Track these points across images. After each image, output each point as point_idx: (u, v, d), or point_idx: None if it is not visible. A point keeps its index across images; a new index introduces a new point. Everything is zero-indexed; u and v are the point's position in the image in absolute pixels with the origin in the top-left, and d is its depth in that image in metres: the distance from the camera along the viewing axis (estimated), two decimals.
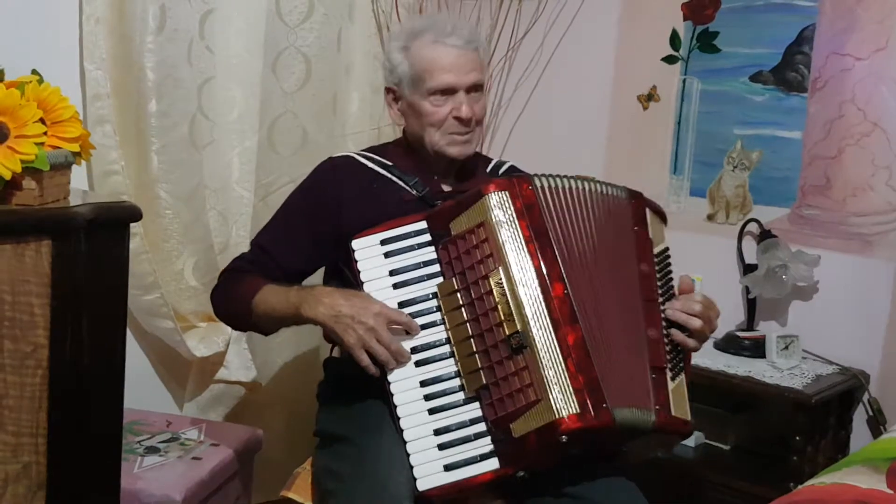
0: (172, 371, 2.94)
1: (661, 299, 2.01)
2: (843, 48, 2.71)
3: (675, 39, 3.00)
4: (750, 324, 2.82)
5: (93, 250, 1.78)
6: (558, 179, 2.00)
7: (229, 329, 2.87)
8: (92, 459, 1.86)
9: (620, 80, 3.12)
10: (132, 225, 1.90)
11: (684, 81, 2.99)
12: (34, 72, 1.85)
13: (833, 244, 2.75)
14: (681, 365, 2.00)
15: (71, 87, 2.48)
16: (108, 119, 2.57)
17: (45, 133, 1.73)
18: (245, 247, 2.90)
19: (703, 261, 2.89)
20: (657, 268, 2.04)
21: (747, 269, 2.81)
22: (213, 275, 2.81)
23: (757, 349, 2.72)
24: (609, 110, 3.14)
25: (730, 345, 2.77)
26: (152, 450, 2.47)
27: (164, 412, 2.80)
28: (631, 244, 2.03)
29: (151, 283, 2.68)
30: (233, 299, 2.13)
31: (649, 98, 3.06)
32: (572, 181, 2.02)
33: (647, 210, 2.09)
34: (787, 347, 2.69)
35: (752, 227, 2.84)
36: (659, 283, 2.03)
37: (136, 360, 2.78)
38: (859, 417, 2.73)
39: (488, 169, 2.31)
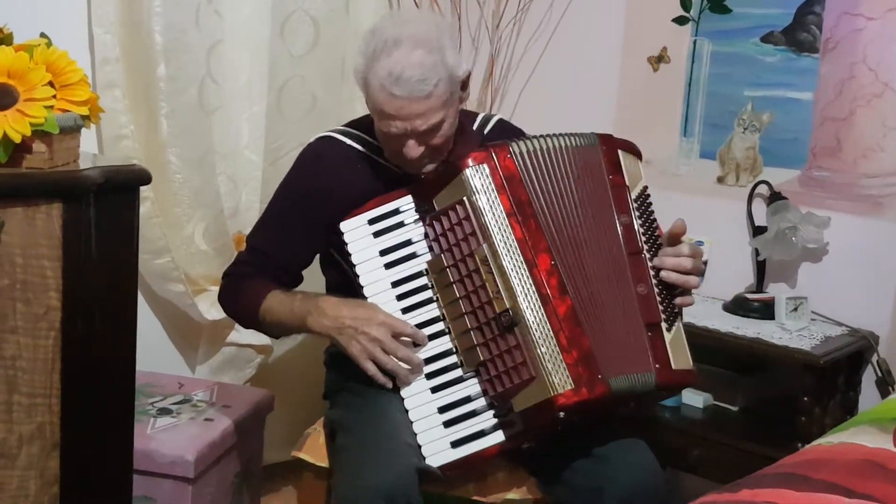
0: (184, 334, 2.97)
1: (645, 248, 1.97)
2: (856, 8, 2.68)
3: (685, 0, 2.97)
4: (759, 286, 2.82)
5: (103, 213, 1.79)
6: (535, 141, 1.96)
7: None
8: (105, 420, 1.88)
9: (630, 41, 3.09)
10: (142, 189, 1.91)
11: (695, 43, 2.97)
12: (42, 35, 1.85)
13: (843, 206, 2.74)
14: (675, 311, 1.98)
15: (79, 51, 2.48)
16: (117, 83, 2.58)
17: (53, 96, 1.73)
18: (255, 211, 2.94)
19: (713, 223, 2.89)
20: (637, 213, 1.99)
21: (757, 231, 2.80)
22: (223, 239, 2.84)
23: (766, 311, 2.72)
24: (619, 72, 3.12)
25: (739, 307, 2.77)
26: (165, 411, 2.50)
27: (177, 375, 2.82)
28: (607, 196, 1.98)
29: (162, 247, 2.69)
30: (239, 308, 2.16)
31: (660, 60, 3.04)
32: (548, 140, 1.97)
33: (620, 152, 2.02)
34: (796, 309, 2.69)
35: (763, 189, 2.82)
36: (642, 231, 1.98)
37: (147, 324, 2.80)
38: (868, 379, 2.73)
39: (475, 125, 2.22)
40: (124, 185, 1.84)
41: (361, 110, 2.97)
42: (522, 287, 1.86)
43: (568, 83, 3.19)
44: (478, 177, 1.91)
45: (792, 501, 1.53)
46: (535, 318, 1.84)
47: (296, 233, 2.14)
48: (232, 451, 2.50)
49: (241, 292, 2.13)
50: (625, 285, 1.94)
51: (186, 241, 2.78)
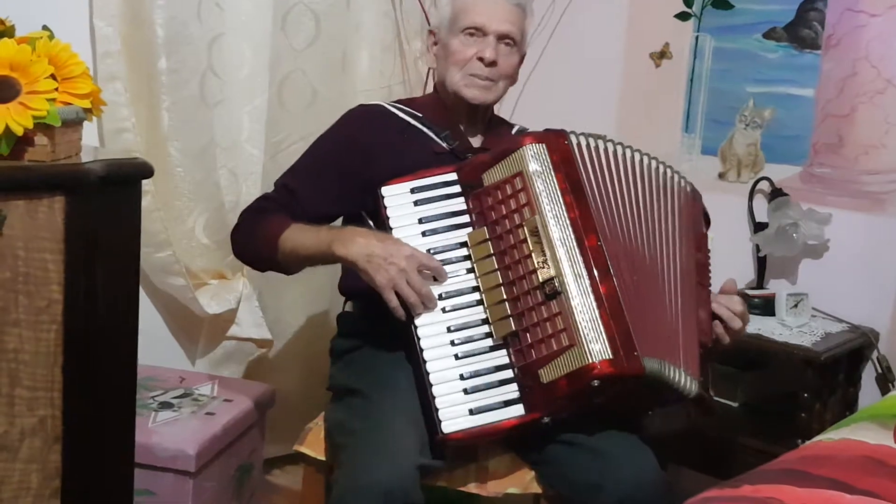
0: (184, 328, 2.96)
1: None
2: (858, 4, 2.68)
3: None
4: (760, 282, 2.83)
5: (105, 206, 1.78)
6: (591, 139, 2.02)
7: (241, 286, 2.89)
8: (107, 413, 1.87)
9: (633, 37, 3.10)
10: (144, 182, 1.90)
11: (697, 38, 2.97)
12: (45, 28, 1.85)
13: (844, 202, 2.75)
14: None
15: (81, 43, 2.48)
16: (118, 76, 2.57)
17: (55, 89, 1.72)
18: None
19: (714, 219, 2.83)
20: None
21: (758, 227, 2.80)
22: (224, 233, 2.82)
23: (766, 307, 2.73)
24: (621, 68, 3.12)
25: None
26: (166, 405, 2.49)
27: (176, 368, 2.83)
28: (690, 231, 2.07)
29: (163, 240, 2.69)
30: (257, 236, 2.12)
31: (662, 55, 3.04)
32: (608, 143, 2.04)
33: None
34: (796, 305, 2.69)
35: (764, 185, 2.83)
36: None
37: (148, 318, 2.78)
38: (868, 375, 2.74)
39: (514, 132, 2.33)
40: (127, 179, 1.83)
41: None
42: (570, 259, 1.87)
43: (570, 78, 3.19)
44: (535, 153, 1.95)
45: (793, 497, 1.53)
46: (580, 289, 1.85)
47: (327, 182, 2.16)
48: (233, 445, 2.50)
49: (262, 222, 2.12)
50: (688, 303, 1.98)
51: (187, 235, 2.77)
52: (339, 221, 2.21)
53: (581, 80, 3.17)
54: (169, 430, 2.36)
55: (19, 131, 1.66)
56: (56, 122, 1.69)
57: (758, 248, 2.79)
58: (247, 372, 2.99)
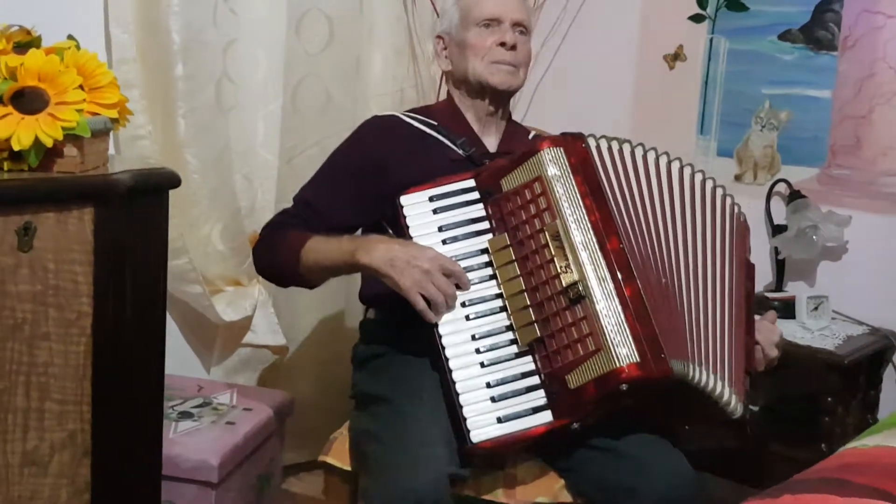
0: (199, 335, 2.94)
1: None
2: (875, 5, 2.68)
3: None
4: (779, 284, 2.82)
5: (134, 217, 1.77)
6: (611, 141, 2.01)
7: (256, 292, 2.87)
8: (135, 426, 1.86)
9: (646, 39, 3.09)
10: None
11: (711, 40, 2.96)
12: (70, 37, 1.83)
13: (862, 204, 2.74)
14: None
15: (97, 50, 2.43)
16: (134, 83, 2.55)
17: (84, 100, 1.70)
18: (270, 210, 2.91)
19: None
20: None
21: (776, 229, 2.80)
22: (240, 239, 2.82)
23: (786, 310, 2.72)
24: (634, 70, 3.12)
25: (759, 306, 2.73)
26: (186, 415, 2.47)
27: (193, 376, 2.81)
28: (743, 258, 2.08)
29: (180, 247, 2.66)
30: (279, 251, 2.11)
31: (676, 58, 3.03)
32: (624, 144, 2.02)
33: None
34: (816, 308, 2.69)
35: (781, 187, 2.82)
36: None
37: None
38: (888, 377, 2.74)
39: (530, 137, 2.32)
40: (154, 188, 1.83)
41: (376, 109, 3.00)
42: (593, 262, 1.85)
43: (583, 81, 3.19)
44: (553, 157, 1.93)
45: None
46: (604, 293, 1.84)
47: (345, 195, 2.15)
48: (254, 454, 2.48)
49: (283, 237, 2.11)
50: (740, 326, 1.98)
51: (203, 242, 2.75)
52: (359, 232, 2.20)
53: (594, 83, 3.16)
54: (190, 441, 2.34)
55: (49, 143, 1.65)
56: (86, 133, 1.68)
57: (776, 251, 2.78)
58: (262, 378, 2.97)
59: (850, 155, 2.75)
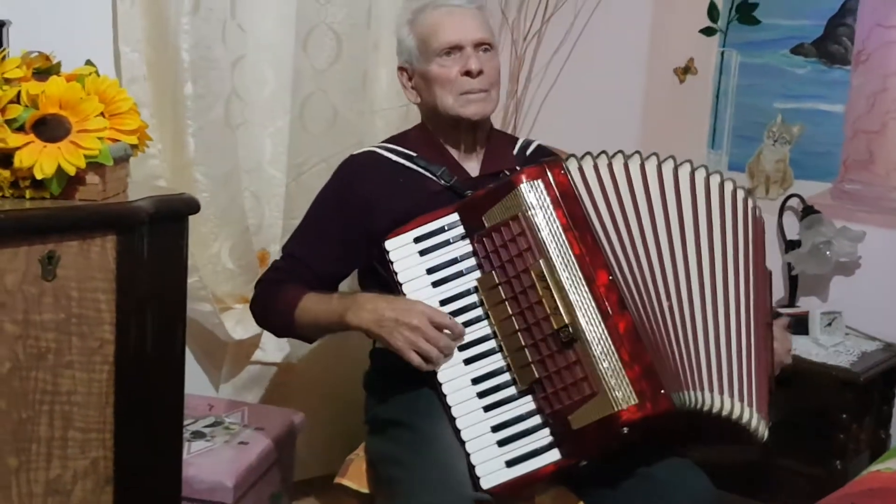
0: (209, 353, 2.92)
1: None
2: (888, 20, 2.67)
3: (712, 10, 2.96)
4: (791, 300, 2.81)
5: (155, 244, 1.76)
6: (593, 159, 1.93)
7: None
8: (156, 452, 1.86)
9: (656, 52, 3.08)
10: None
11: (723, 54, 2.95)
12: (88, 62, 1.81)
13: (876, 219, 2.73)
14: None
15: (106, 69, 2.43)
16: (144, 102, 2.51)
17: (106, 127, 1.69)
18: (278, 228, 2.91)
19: None
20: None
21: (789, 245, 2.79)
22: (248, 257, 2.80)
23: (799, 326, 2.70)
24: (644, 84, 3.11)
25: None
26: (198, 434, 2.46)
27: (202, 394, 2.79)
28: (762, 267, 2.02)
29: (190, 266, 2.60)
30: (274, 312, 2.11)
31: (686, 71, 3.03)
32: (616, 158, 1.94)
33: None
34: (830, 324, 2.68)
35: (793, 202, 2.81)
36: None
37: None
38: None
39: (515, 150, 2.27)
40: (175, 215, 1.81)
41: (382, 124, 2.99)
42: (581, 303, 1.82)
43: (592, 94, 3.17)
44: (533, 192, 1.88)
45: None
46: (595, 333, 1.81)
47: (332, 242, 2.13)
48: (267, 474, 2.47)
49: (277, 296, 2.10)
50: (760, 341, 1.94)
51: (213, 260, 2.74)
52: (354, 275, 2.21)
53: (603, 97, 3.14)
54: (205, 462, 2.32)
55: (72, 171, 1.63)
56: (108, 162, 1.66)
57: (789, 267, 2.77)
58: (270, 395, 2.95)
59: (863, 170, 2.74)
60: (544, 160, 1.96)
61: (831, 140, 2.79)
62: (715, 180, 1.99)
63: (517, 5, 3.20)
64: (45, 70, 1.73)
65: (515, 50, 3.22)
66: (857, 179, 2.75)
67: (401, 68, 2.22)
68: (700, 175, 1.98)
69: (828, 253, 2.67)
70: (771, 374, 1.98)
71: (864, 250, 2.72)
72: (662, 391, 1.79)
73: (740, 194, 2.01)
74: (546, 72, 3.24)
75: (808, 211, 2.75)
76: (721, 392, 1.86)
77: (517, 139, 2.33)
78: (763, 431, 1.89)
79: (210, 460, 2.33)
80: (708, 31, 2.97)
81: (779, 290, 2.86)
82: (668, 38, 3.05)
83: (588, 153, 1.92)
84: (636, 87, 3.11)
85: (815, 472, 2.57)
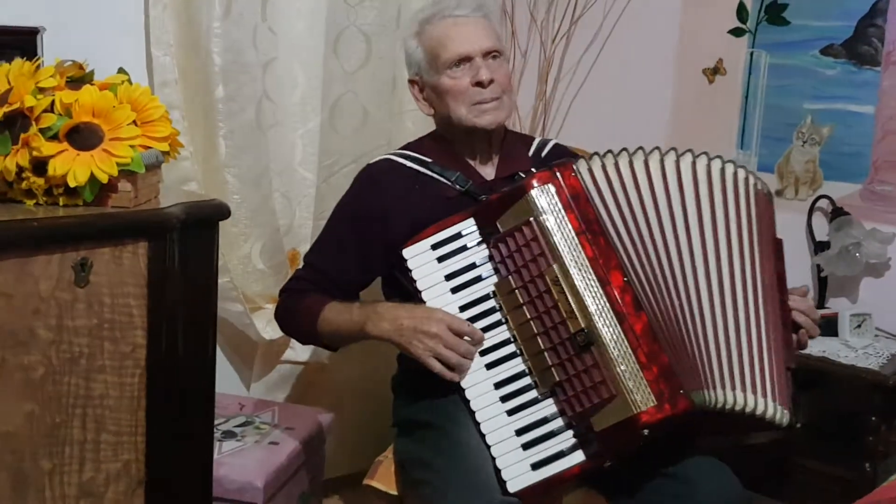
0: (240, 353, 2.96)
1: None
2: None
3: (742, 11, 2.95)
4: (821, 301, 2.80)
5: (186, 249, 1.79)
6: (601, 159, 1.94)
7: None
8: (187, 454, 1.88)
9: (685, 53, 3.07)
10: None
11: (752, 55, 2.94)
12: (121, 70, 1.84)
13: None
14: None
15: (138, 73, 2.47)
16: (176, 105, 2.56)
17: (138, 135, 1.71)
18: (308, 228, 2.94)
19: None
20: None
21: (818, 246, 2.78)
22: (279, 257, 2.83)
23: (828, 327, 2.68)
24: (673, 84, 3.10)
25: None
26: (229, 434, 2.49)
27: (233, 393, 2.82)
28: (769, 240, 2.00)
29: (221, 267, 2.64)
30: (297, 322, 2.15)
31: (715, 72, 3.02)
32: (620, 156, 1.94)
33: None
34: (860, 326, 2.67)
35: (823, 203, 2.80)
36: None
37: None
38: None
39: (531, 151, 2.28)
40: (206, 220, 1.83)
41: (411, 125, 3.00)
42: (597, 306, 1.83)
43: (620, 95, 3.17)
44: (544, 197, 1.89)
45: None
46: (612, 336, 1.82)
47: (351, 253, 2.15)
48: (297, 474, 2.49)
49: (299, 307, 2.13)
50: (771, 324, 1.92)
51: (244, 261, 2.77)
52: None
53: (632, 97, 3.14)
54: (235, 462, 2.35)
55: (104, 179, 1.66)
56: (140, 170, 1.69)
57: (818, 268, 2.76)
58: (300, 394, 2.98)
59: (893, 171, 2.72)
60: (555, 163, 1.96)
61: (861, 141, 2.77)
62: (729, 169, 1.98)
63: (546, 7, 3.21)
64: (78, 79, 1.76)
65: (544, 51, 3.22)
66: (887, 181, 2.73)
67: (411, 81, 2.23)
68: (716, 166, 1.97)
69: (857, 255, 2.66)
70: (788, 348, 1.96)
71: (893, 252, 2.71)
72: (681, 391, 1.80)
73: (734, 169, 1.98)
74: (575, 73, 3.24)
75: (837, 212, 2.73)
76: (744, 389, 1.85)
77: (533, 139, 2.34)
78: (783, 419, 1.88)
79: (241, 460, 2.36)
80: (737, 32, 2.96)
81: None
82: (696, 38, 3.04)
83: (609, 151, 1.93)
84: (665, 88, 3.11)
85: (843, 474, 2.56)
